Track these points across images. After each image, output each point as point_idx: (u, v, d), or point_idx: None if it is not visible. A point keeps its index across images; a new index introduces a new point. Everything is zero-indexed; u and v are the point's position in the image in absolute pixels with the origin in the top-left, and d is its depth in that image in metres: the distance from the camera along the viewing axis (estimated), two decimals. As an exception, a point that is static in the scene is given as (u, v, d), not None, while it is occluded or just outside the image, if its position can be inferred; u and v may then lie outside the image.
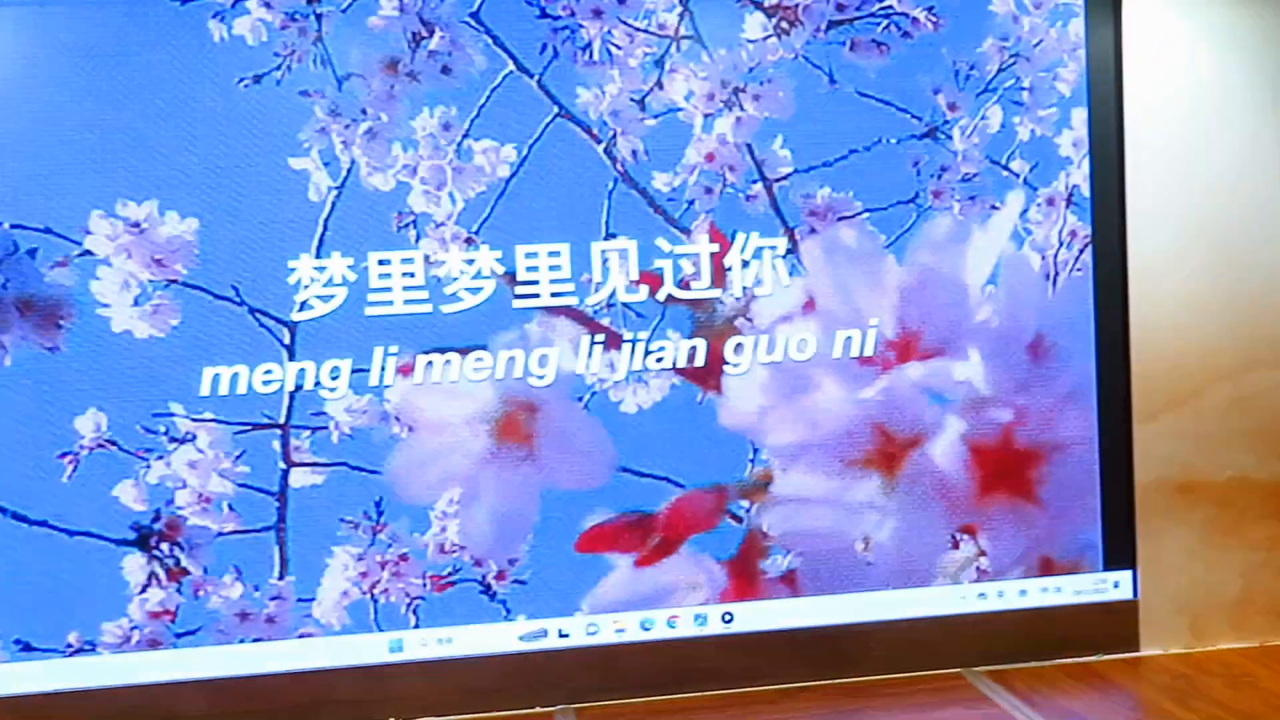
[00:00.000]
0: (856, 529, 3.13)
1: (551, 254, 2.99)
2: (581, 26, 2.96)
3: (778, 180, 3.05)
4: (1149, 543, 3.23)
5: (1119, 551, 3.22)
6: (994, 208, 3.12)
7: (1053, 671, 3.14)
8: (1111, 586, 3.23)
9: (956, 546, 3.17)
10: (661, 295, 3.03)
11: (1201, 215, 3.19)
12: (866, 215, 3.08)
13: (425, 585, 2.99)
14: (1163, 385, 3.20)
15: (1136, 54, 3.14)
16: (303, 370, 2.91)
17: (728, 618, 3.10)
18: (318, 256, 2.90)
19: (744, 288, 3.05)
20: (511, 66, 2.95)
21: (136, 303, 2.85)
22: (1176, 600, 3.25)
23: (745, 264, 3.05)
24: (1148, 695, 3.02)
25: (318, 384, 2.92)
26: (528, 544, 3.01)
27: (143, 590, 2.90)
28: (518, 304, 2.98)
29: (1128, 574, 3.23)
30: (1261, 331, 3.23)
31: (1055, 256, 3.15)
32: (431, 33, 2.91)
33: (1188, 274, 3.20)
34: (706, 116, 3.02)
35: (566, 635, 3.05)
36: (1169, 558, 3.24)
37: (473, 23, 2.93)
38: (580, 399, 3.01)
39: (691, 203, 3.03)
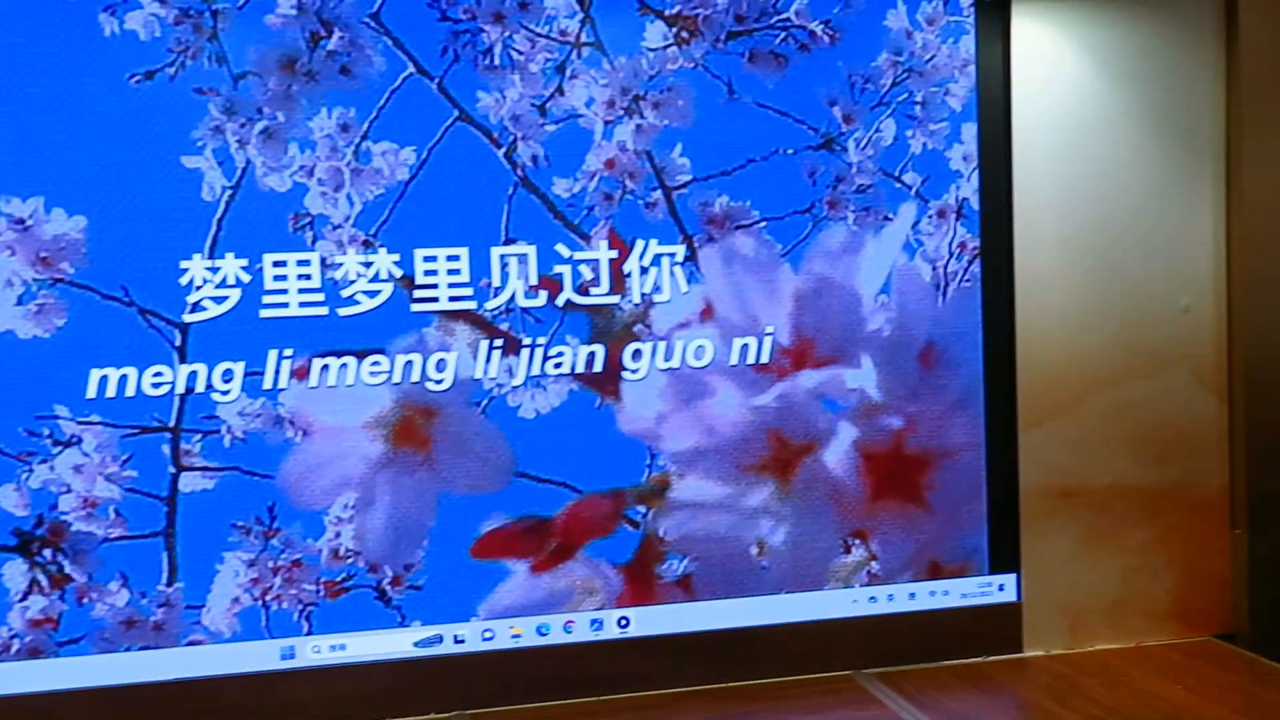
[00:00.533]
0: (751, 534, 3.17)
1: (450, 258, 2.97)
2: (483, 30, 2.96)
3: (677, 188, 3.08)
4: (1032, 547, 3.33)
5: (1004, 555, 3.31)
6: (887, 219, 3.19)
7: (940, 672, 3.22)
8: (996, 589, 3.31)
9: (848, 551, 3.23)
10: (560, 301, 3.03)
11: (1084, 229, 3.30)
12: (763, 224, 3.12)
13: (319, 591, 2.95)
14: (1046, 393, 3.31)
15: (1024, 72, 3.24)
16: (194, 373, 2.85)
17: (624, 622, 3.11)
18: (211, 257, 2.85)
19: (643, 294, 3.08)
20: (412, 69, 2.93)
21: (20, 302, 2.77)
22: (1058, 602, 3.35)
23: (644, 271, 3.07)
24: (1030, 695, 3.11)
25: (210, 387, 2.86)
26: (424, 549, 2.99)
27: (23, 598, 2.82)
28: (416, 307, 2.96)
29: (1012, 577, 3.32)
30: (1139, 342, 3.35)
31: (945, 267, 3.23)
32: (330, 33, 2.88)
33: (1071, 286, 3.31)
34: (607, 123, 3.04)
35: (462, 641, 3.03)
36: (1051, 561, 3.34)
37: (373, 24, 2.90)
38: (478, 404, 3.00)
39: (591, 209, 3.04)
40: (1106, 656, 3.31)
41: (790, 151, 3.13)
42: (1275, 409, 3.34)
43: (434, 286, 2.97)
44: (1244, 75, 3.28)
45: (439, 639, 3.03)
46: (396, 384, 2.96)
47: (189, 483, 2.87)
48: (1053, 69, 3.26)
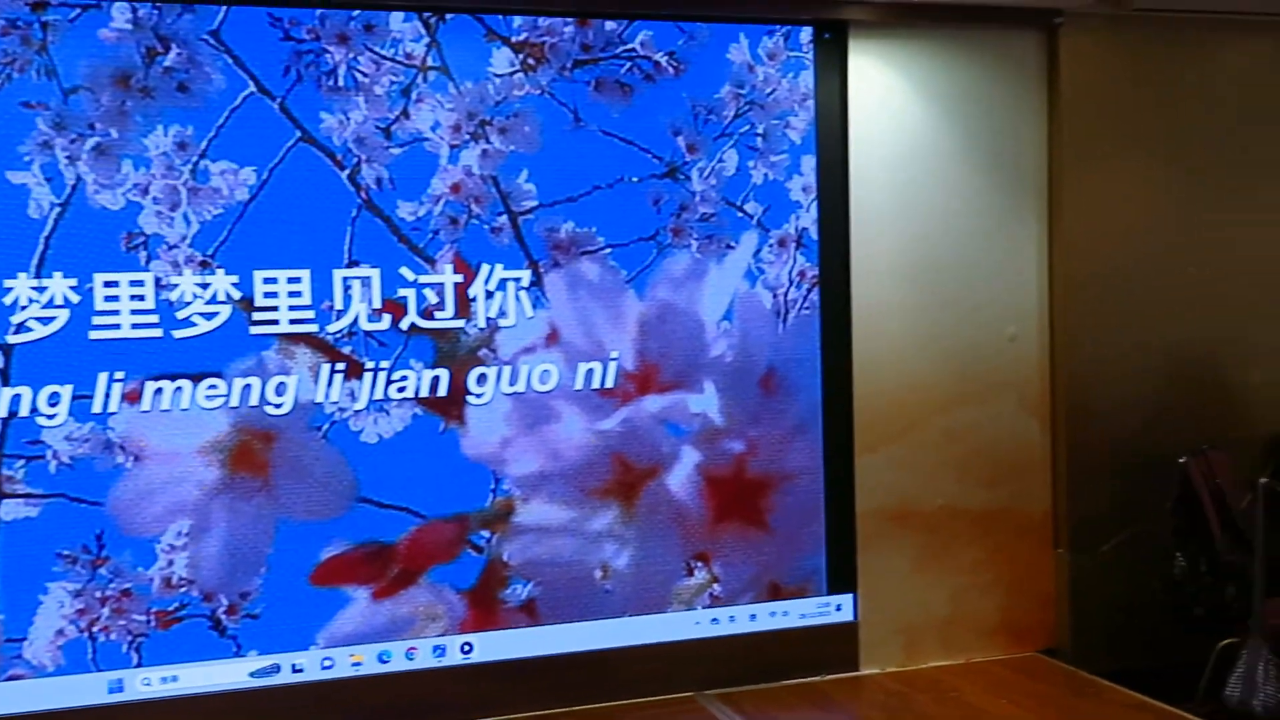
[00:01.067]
0: (595, 557, 3.18)
1: (292, 280, 2.93)
2: (326, 51, 2.93)
3: (523, 213, 3.09)
4: (868, 567, 3.42)
5: (841, 576, 3.39)
6: (729, 247, 3.25)
7: (779, 692, 3.27)
8: (834, 610, 3.39)
9: (691, 573, 3.27)
10: (404, 324, 3.01)
11: (917, 259, 3.42)
12: (609, 250, 3.16)
13: (149, 622, 2.86)
14: (882, 419, 3.41)
15: (860, 107, 3.34)
16: (18, 396, 2.75)
17: (467, 648, 3.10)
18: (37, 276, 2.75)
19: (488, 319, 3.07)
20: (253, 88, 2.88)
21: None
22: (893, 621, 3.44)
23: (489, 295, 3.07)
24: (865, 712, 3.19)
25: (35, 410, 2.76)
26: (261, 577, 2.93)
27: None
28: (255, 330, 2.91)
29: (849, 597, 3.40)
30: (969, 369, 3.48)
31: (785, 295, 3.31)
32: (168, 49, 2.82)
33: (905, 314, 3.42)
34: (453, 148, 3.03)
35: (301, 670, 2.97)
36: (886, 581, 3.43)
37: (212, 41, 2.85)
38: (319, 428, 2.96)
39: (436, 233, 3.03)
40: (938, 673, 3.42)
41: (635, 179, 3.18)
42: (1094, 434, 3.51)
43: (274, 309, 2.92)
44: (1064, 116, 3.45)
45: (276, 668, 2.96)
46: (234, 408, 2.89)
47: (10, 510, 2.76)
48: (888, 105, 3.37)
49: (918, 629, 3.48)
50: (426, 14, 3.00)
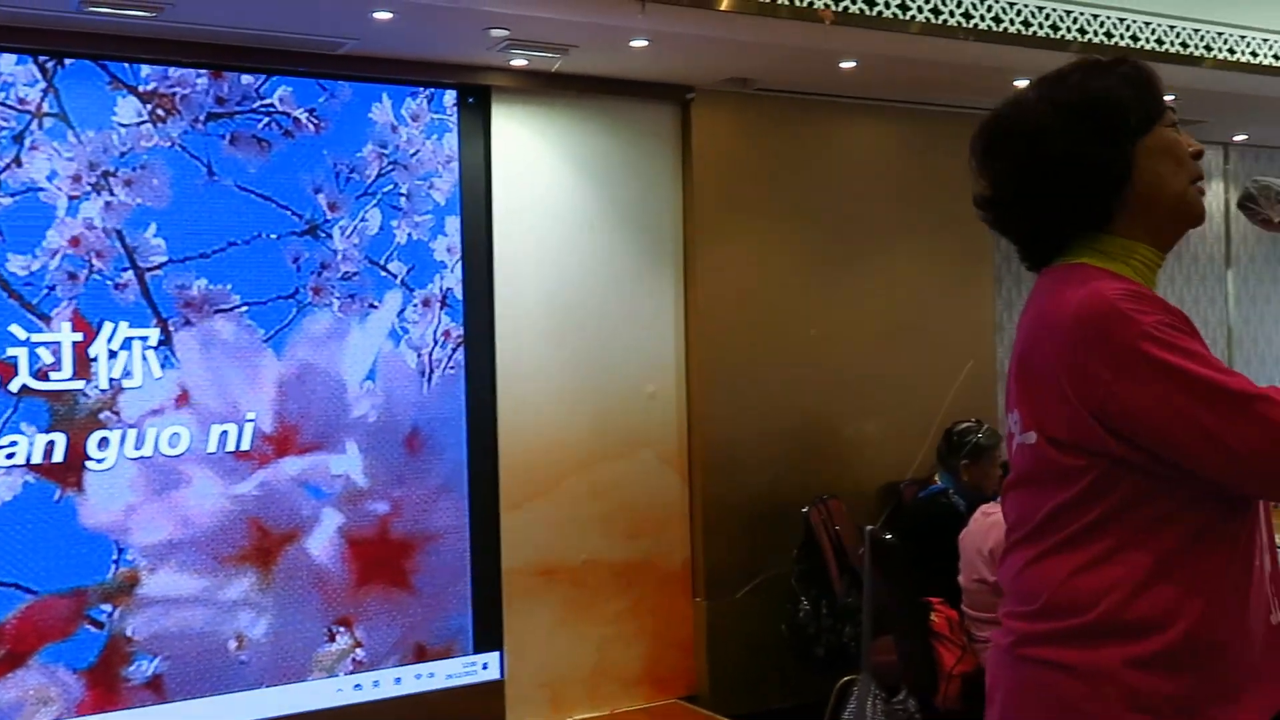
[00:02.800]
0: (230, 627, 3.06)
1: (-119, 338, 2.68)
2: (-75, 92, 2.72)
3: (150, 269, 2.96)
4: (515, 624, 3.44)
5: (488, 634, 3.40)
6: (373, 306, 3.23)
7: (423, 756, 3.24)
8: (480, 668, 3.39)
9: (333, 639, 3.19)
10: (15, 386, 2.81)
11: (561, 319, 3.51)
12: (245, 309, 3.06)
13: None
14: (527, 476, 3.46)
15: (504, 170, 3.41)
16: None
17: (85, 731, 2.90)
18: None
19: (111, 379, 2.91)
20: None
21: None
22: (539, 677, 3.48)
23: (113, 354, 2.91)
24: (508, 770, 3.20)
25: None
26: None
27: None
28: None
29: (495, 655, 3.41)
30: (611, 426, 3.59)
31: (431, 355, 3.31)
32: None
33: (549, 373, 3.49)
34: (72, 199, 2.87)
35: (-114, 769, 2.70)
36: (533, 637, 3.47)
37: None
38: (-88, 500, 2.71)
39: (53, 288, 2.85)
40: (583, 726, 3.49)
41: (274, 236, 3.11)
42: (727, 486, 3.68)
43: None
44: (696, 184, 3.65)
45: None
46: None
47: None
48: (532, 169, 3.46)
49: (564, 683, 3.53)
50: (43, 58, 2.83)
